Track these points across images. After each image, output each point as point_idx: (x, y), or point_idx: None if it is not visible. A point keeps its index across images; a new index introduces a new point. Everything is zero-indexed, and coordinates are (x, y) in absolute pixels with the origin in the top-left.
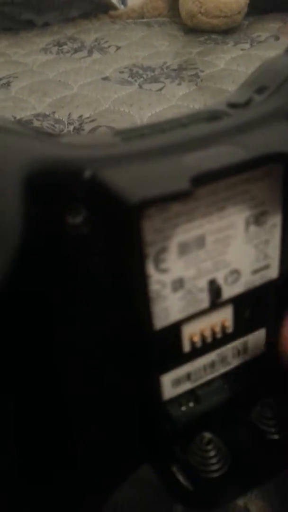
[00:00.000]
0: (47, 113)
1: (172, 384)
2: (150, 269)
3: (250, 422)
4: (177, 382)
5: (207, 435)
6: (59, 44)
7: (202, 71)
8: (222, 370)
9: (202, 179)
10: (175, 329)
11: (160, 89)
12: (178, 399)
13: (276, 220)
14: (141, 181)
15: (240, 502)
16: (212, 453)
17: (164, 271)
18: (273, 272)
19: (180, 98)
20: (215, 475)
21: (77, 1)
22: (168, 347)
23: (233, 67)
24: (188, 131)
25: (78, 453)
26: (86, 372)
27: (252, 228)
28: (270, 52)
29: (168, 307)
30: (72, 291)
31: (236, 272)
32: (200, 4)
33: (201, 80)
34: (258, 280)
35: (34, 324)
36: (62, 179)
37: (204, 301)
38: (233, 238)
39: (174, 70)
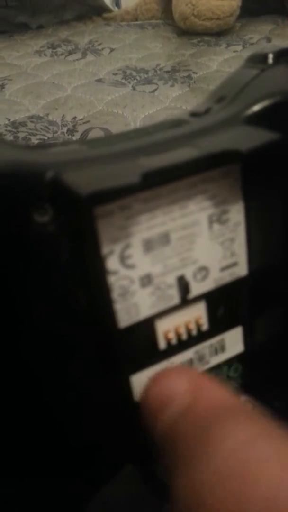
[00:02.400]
0: (41, 115)
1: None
2: (116, 265)
3: None
4: None
5: None
6: (53, 46)
7: (195, 73)
8: (200, 368)
9: (153, 175)
10: (148, 325)
11: (153, 91)
12: None
13: (239, 218)
14: (95, 178)
15: None
16: None
17: (130, 267)
18: (241, 270)
19: (173, 99)
20: None
21: (71, 3)
22: (143, 344)
23: (225, 68)
24: (150, 137)
25: (57, 451)
26: (55, 370)
27: (216, 226)
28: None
29: (138, 303)
30: (38, 288)
31: (204, 269)
32: (193, 7)
33: (194, 82)
34: (227, 277)
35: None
36: (26, 180)
37: (174, 297)
38: (198, 235)
39: (167, 72)
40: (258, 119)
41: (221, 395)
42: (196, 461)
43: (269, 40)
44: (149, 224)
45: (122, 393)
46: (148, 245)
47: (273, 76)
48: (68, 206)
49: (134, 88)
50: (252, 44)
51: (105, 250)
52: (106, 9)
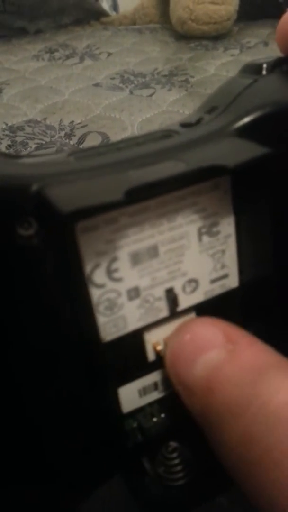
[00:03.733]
0: (39, 119)
1: (139, 393)
2: (103, 278)
3: None
4: (144, 392)
5: (173, 444)
6: (51, 51)
7: (192, 77)
8: None
9: (139, 192)
10: (136, 338)
11: (151, 95)
12: (150, 410)
13: (229, 231)
14: (77, 195)
15: (224, 501)
16: (177, 461)
17: (118, 280)
18: (232, 282)
19: (170, 103)
20: (180, 482)
21: (69, 8)
22: (131, 356)
23: (223, 72)
24: (139, 149)
25: (43, 461)
26: (39, 382)
27: (206, 238)
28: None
29: (125, 315)
30: (22, 300)
31: (194, 281)
32: (190, 11)
33: (191, 86)
34: (218, 289)
35: None
36: (11, 194)
37: (163, 310)
38: (187, 248)
39: (165, 76)
40: (248, 131)
41: (260, 349)
42: (241, 413)
43: (266, 44)
44: (137, 237)
45: (110, 405)
46: (136, 258)
47: (265, 87)
48: (51, 220)
49: (131, 92)
50: (249, 48)
51: (90, 263)
52: (104, 14)
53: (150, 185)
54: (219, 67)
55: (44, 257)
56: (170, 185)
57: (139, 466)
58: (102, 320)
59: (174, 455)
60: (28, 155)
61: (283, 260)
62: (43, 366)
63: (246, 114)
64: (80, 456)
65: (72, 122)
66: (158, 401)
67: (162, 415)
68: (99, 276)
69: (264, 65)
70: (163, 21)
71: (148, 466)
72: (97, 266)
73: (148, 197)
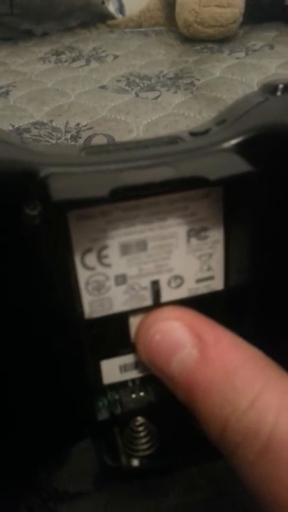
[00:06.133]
0: (45, 121)
1: (119, 369)
2: (94, 262)
3: (186, 419)
4: (124, 368)
5: (140, 419)
6: (57, 53)
7: (198, 80)
8: None
9: (123, 192)
10: (122, 319)
11: (156, 98)
12: (131, 387)
13: (217, 236)
14: (69, 187)
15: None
16: (142, 434)
17: (107, 265)
18: (217, 284)
19: (176, 106)
20: (143, 454)
21: (76, 11)
22: (116, 335)
23: (228, 75)
24: (143, 152)
25: (16, 420)
26: (25, 350)
27: (194, 240)
28: (264, 61)
29: (111, 298)
30: (17, 272)
31: (179, 278)
32: (196, 14)
33: (197, 89)
34: (202, 289)
35: None
36: (22, 177)
37: (147, 298)
38: (175, 246)
39: (170, 78)
40: (244, 148)
41: (227, 347)
42: (221, 419)
43: (271, 47)
44: (127, 231)
45: (92, 375)
46: (125, 249)
47: (271, 107)
48: (49, 205)
49: (137, 95)
50: (255, 51)
51: (83, 247)
52: (110, 16)
53: (134, 187)
54: (225, 70)
55: (43, 236)
56: (155, 189)
57: (109, 434)
58: (89, 298)
59: (141, 428)
60: (47, 145)
61: (260, 271)
62: (31, 333)
63: (244, 131)
64: (57, 417)
65: (78, 124)
66: (139, 381)
67: (141, 393)
68: (90, 259)
69: (280, 86)
70: (169, 23)
71: (118, 435)
72: (89, 250)
73: (134, 197)
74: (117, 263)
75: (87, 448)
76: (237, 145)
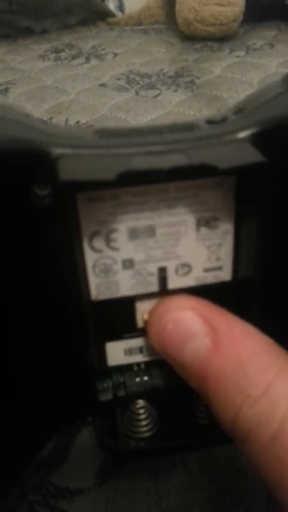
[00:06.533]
0: (45, 119)
1: (124, 352)
2: (102, 245)
3: (187, 405)
4: (129, 352)
5: (141, 402)
6: (57, 51)
7: (198, 78)
8: None
9: (130, 176)
10: (128, 303)
11: (156, 96)
12: (135, 371)
13: (228, 227)
14: (80, 167)
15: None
16: (142, 417)
17: (114, 249)
18: (226, 274)
19: (176, 104)
20: (142, 436)
21: (75, 8)
22: (122, 318)
23: (228, 74)
24: (156, 137)
25: (18, 392)
26: (32, 326)
27: (204, 229)
28: (264, 60)
29: (118, 281)
30: (26, 253)
31: (187, 266)
32: (196, 12)
33: (197, 87)
34: (210, 278)
35: None
36: (34, 157)
37: (153, 284)
38: (184, 234)
39: (171, 77)
40: (258, 138)
41: (239, 336)
42: (235, 408)
43: (272, 45)
44: (136, 216)
45: (98, 356)
46: (133, 234)
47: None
48: (59, 186)
49: (137, 93)
50: (255, 49)
51: (91, 229)
52: (110, 14)
53: (142, 172)
54: (225, 69)
55: (52, 216)
56: (164, 175)
57: (110, 416)
58: (96, 280)
59: (141, 411)
60: (59, 126)
61: (269, 263)
62: (39, 310)
63: (261, 122)
64: (59, 394)
65: (78, 122)
66: (144, 365)
67: (145, 378)
68: (98, 242)
69: None
70: (169, 22)
71: (119, 417)
72: (97, 233)
73: (143, 182)
74: (125, 247)
75: (88, 444)
76: (253, 135)
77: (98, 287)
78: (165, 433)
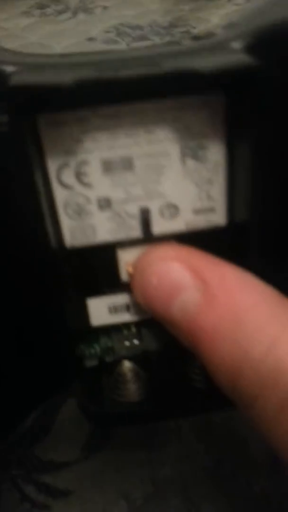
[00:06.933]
0: None
1: (109, 310)
2: (71, 179)
3: (181, 368)
4: (114, 310)
5: (127, 363)
6: (41, 6)
7: (194, 28)
8: None
9: (91, 85)
10: (108, 251)
11: None
12: (125, 335)
13: (219, 158)
14: (35, 75)
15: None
16: (129, 378)
17: (87, 185)
18: (219, 218)
19: None
20: (129, 399)
21: None
22: (103, 271)
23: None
24: (130, 52)
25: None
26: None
27: (190, 162)
28: None
29: (95, 225)
30: None
31: (173, 206)
32: None
33: None
34: (202, 222)
35: None
36: None
37: (135, 228)
38: (167, 168)
39: (165, 27)
40: (252, 49)
41: (233, 286)
42: (232, 369)
43: None
44: (110, 144)
45: (79, 314)
46: (107, 166)
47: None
48: (17, 108)
49: (128, 46)
50: None
51: (58, 161)
52: None
53: (106, 80)
54: (223, 17)
55: (12, 145)
56: (135, 90)
57: (95, 379)
58: (69, 223)
59: (129, 374)
60: (18, 49)
61: (267, 203)
62: (7, 263)
63: (253, 30)
64: (40, 358)
65: None
66: (135, 328)
67: (135, 341)
68: (67, 176)
69: None
70: None
71: (105, 381)
72: (65, 165)
73: (108, 98)
74: (99, 183)
75: (75, 415)
76: (246, 46)
77: (73, 232)
78: (156, 396)
